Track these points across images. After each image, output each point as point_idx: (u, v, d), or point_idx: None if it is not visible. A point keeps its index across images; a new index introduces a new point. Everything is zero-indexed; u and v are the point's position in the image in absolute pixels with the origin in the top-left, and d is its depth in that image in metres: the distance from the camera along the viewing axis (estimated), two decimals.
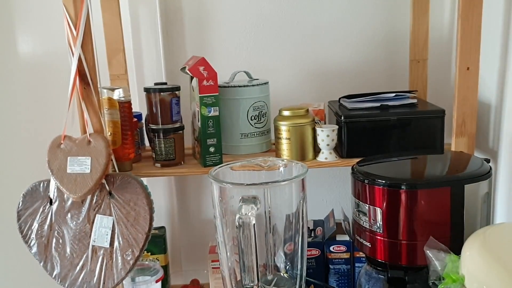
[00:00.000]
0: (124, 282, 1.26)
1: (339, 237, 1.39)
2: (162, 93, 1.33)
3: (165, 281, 1.49)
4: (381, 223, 1.00)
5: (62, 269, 1.21)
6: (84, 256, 1.21)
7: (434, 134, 1.31)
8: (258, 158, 1.11)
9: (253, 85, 1.39)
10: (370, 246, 1.04)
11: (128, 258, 1.19)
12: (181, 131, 1.36)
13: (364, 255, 1.17)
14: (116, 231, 1.21)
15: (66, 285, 1.20)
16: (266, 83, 1.42)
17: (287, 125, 1.30)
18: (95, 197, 1.23)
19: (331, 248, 1.37)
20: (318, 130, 1.30)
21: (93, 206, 1.23)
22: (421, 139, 1.31)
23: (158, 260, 1.50)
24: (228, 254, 1.02)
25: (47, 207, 1.25)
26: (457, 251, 0.88)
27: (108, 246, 1.21)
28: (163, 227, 1.58)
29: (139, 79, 1.58)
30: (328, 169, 1.63)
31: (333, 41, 1.59)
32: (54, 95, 1.45)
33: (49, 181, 1.25)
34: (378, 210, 1.00)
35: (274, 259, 1.04)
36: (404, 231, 0.98)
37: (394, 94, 1.40)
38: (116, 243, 1.21)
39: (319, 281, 1.35)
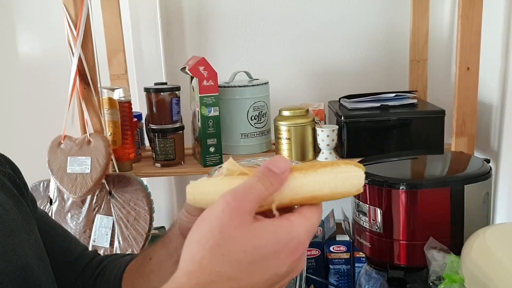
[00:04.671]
0: None
1: (339, 237, 1.39)
2: (162, 93, 1.33)
3: None
4: (381, 223, 1.00)
5: None
6: None
7: (434, 134, 1.31)
8: (258, 158, 1.11)
9: (253, 85, 1.39)
10: (370, 246, 1.04)
11: None
12: (181, 131, 1.36)
13: (364, 255, 1.16)
14: (116, 231, 1.21)
15: None
16: (266, 83, 1.42)
17: (287, 125, 1.30)
18: (95, 197, 1.23)
19: (331, 248, 1.36)
20: (318, 130, 1.30)
21: (93, 206, 1.23)
22: (421, 139, 1.31)
23: None
24: None
25: (47, 207, 1.25)
26: (457, 251, 0.88)
27: (108, 246, 1.21)
28: (163, 227, 1.58)
29: (139, 79, 1.58)
30: None
31: (333, 41, 1.59)
32: (54, 95, 1.45)
33: (49, 181, 1.25)
34: (378, 210, 1.00)
35: None
36: (404, 231, 0.98)
37: (394, 94, 1.40)
38: (116, 243, 1.21)
39: (321, 279, 1.35)
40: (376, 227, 1.01)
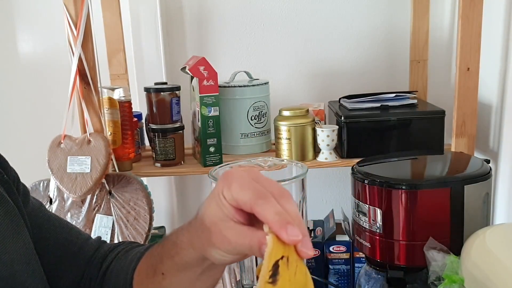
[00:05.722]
0: None
1: (339, 237, 1.39)
2: (162, 93, 1.33)
3: None
4: (380, 223, 1.00)
5: None
6: None
7: (434, 135, 1.31)
8: (258, 158, 1.11)
9: (253, 85, 1.39)
10: (369, 246, 1.04)
11: None
12: (181, 131, 1.36)
13: (363, 256, 1.16)
14: (116, 230, 1.21)
15: None
16: (266, 83, 1.42)
17: (287, 125, 1.30)
18: (95, 196, 1.23)
19: (330, 249, 1.36)
20: (318, 130, 1.30)
21: (93, 205, 1.23)
22: (421, 139, 1.31)
23: None
24: None
25: (47, 206, 1.25)
26: (457, 252, 0.88)
27: None
28: (163, 227, 1.58)
29: (139, 79, 1.57)
30: (328, 169, 1.63)
31: (333, 41, 1.59)
32: (54, 94, 1.45)
33: (49, 180, 1.25)
34: (378, 211, 1.00)
35: None
36: (404, 232, 0.98)
37: (394, 95, 1.40)
38: None
39: (321, 279, 1.35)
40: (376, 227, 1.01)
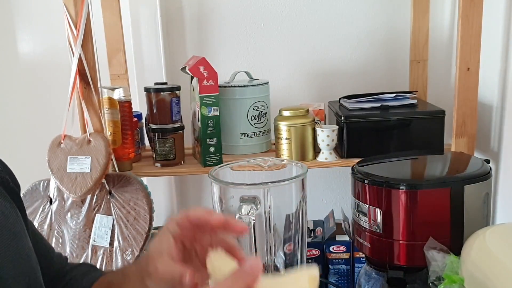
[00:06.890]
0: None
1: (339, 237, 1.39)
2: (162, 93, 1.33)
3: None
4: (381, 223, 1.00)
5: None
6: (84, 255, 1.21)
7: (434, 135, 1.31)
8: (258, 158, 1.11)
9: (253, 85, 1.39)
10: (369, 246, 1.04)
11: (128, 258, 1.20)
12: (181, 131, 1.36)
13: (364, 256, 1.16)
14: (116, 230, 1.21)
15: None
16: (266, 83, 1.42)
17: (287, 125, 1.30)
18: (95, 196, 1.23)
19: (330, 249, 1.36)
20: (318, 130, 1.30)
21: (93, 205, 1.23)
22: (421, 139, 1.31)
23: None
24: None
25: (47, 206, 1.25)
26: (457, 252, 0.88)
27: (108, 245, 1.21)
28: (163, 227, 1.57)
29: (139, 79, 1.58)
30: (328, 169, 1.63)
31: (333, 41, 1.59)
32: (54, 94, 1.45)
33: (49, 180, 1.25)
34: (378, 211, 1.00)
35: (273, 259, 1.04)
36: (404, 232, 0.98)
37: (394, 95, 1.40)
38: (116, 243, 1.21)
39: (321, 279, 1.35)
40: (376, 227, 1.01)
